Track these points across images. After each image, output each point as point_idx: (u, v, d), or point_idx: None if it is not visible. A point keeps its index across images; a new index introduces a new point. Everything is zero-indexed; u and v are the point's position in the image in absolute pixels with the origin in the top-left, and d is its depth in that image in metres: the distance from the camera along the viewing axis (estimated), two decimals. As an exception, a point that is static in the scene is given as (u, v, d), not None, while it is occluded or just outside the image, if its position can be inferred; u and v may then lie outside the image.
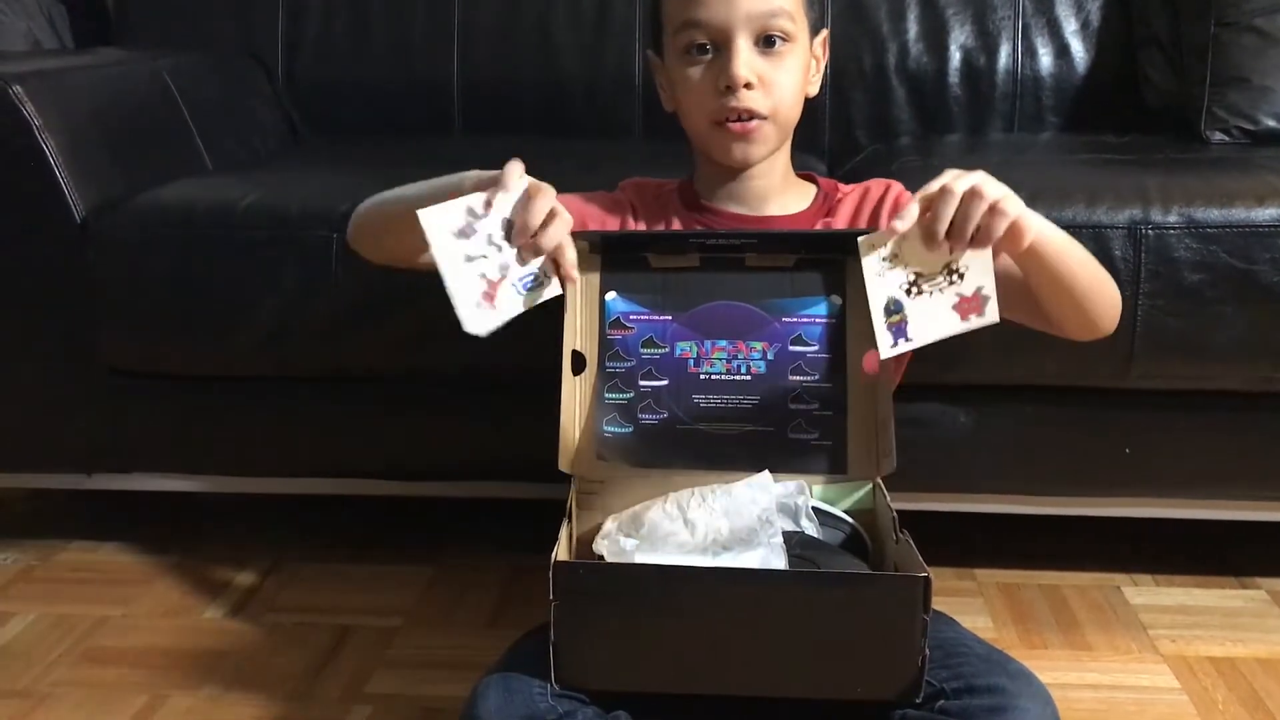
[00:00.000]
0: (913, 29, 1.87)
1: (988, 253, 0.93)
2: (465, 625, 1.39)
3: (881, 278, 0.93)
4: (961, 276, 0.93)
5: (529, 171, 0.97)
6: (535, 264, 0.95)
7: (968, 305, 0.94)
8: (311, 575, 1.52)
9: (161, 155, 1.58)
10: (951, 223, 0.90)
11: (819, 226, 1.12)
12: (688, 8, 1.04)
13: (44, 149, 1.37)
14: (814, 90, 1.12)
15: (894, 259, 0.93)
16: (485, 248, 0.93)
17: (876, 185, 1.16)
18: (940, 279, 0.93)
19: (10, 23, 1.93)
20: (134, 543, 1.60)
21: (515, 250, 0.94)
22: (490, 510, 1.61)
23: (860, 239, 0.93)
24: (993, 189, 0.91)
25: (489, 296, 0.93)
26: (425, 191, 1.03)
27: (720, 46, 1.04)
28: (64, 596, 1.46)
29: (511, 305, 0.94)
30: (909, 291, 0.94)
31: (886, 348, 0.94)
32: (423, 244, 0.91)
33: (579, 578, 0.89)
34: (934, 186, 0.92)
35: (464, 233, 0.92)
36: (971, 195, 0.90)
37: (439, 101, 1.96)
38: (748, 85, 1.03)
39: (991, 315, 0.94)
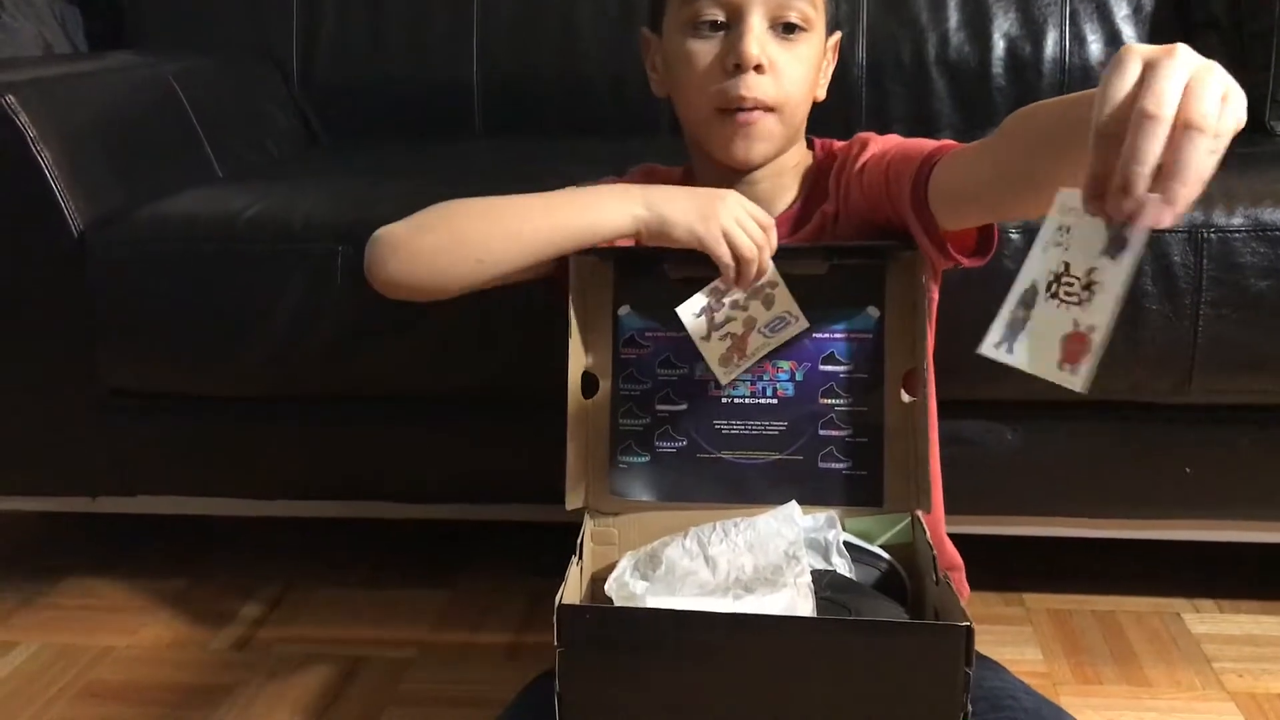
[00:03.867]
0: (953, 17, 1.78)
1: (1135, 256, 0.64)
2: (482, 657, 1.33)
3: (1045, 253, 0.69)
4: (1091, 294, 0.66)
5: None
6: (780, 308, 0.93)
7: (1072, 347, 0.68)
8: (323, 602, 1.46)
9: (167, 164, 1.53)
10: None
11: (816, 217, 1.02)
12: None
13: (39, 161, 1.32)
14: (821, 94, 1.02)
15: (1066, 233, 0.68)
16: (731, 311, 0.94)
17: (854, 143, 1.02)
18: (1077, 286, 0.67)
19: (20, 27, 1.88)
20: (140, 568, 1.55)
21: (758, 302, 0.93)
22: (510, 530, 1.55)
23: (1062, 190, 0.67)
24: (1210, 99, 0.58)
25: (739, 350, 0.94)
26: (542, 208, 0.95)
27: (732, 23, 0.95)
28: (67, 626, 1.42)
29: (760, 347, 0.94)
30: (1049, 287, 0.69)
31: (990, 345, 0.71)
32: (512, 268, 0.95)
33: (585, 623, 0.82)
34: (1114, 115, 0.60)
35: (711, 309, 0.94)
36: (1186, 128, 0.58)
37: (459, 101, 1.90)
38: (758, 68, 0.94)
39: (1081, 382, 0.67)
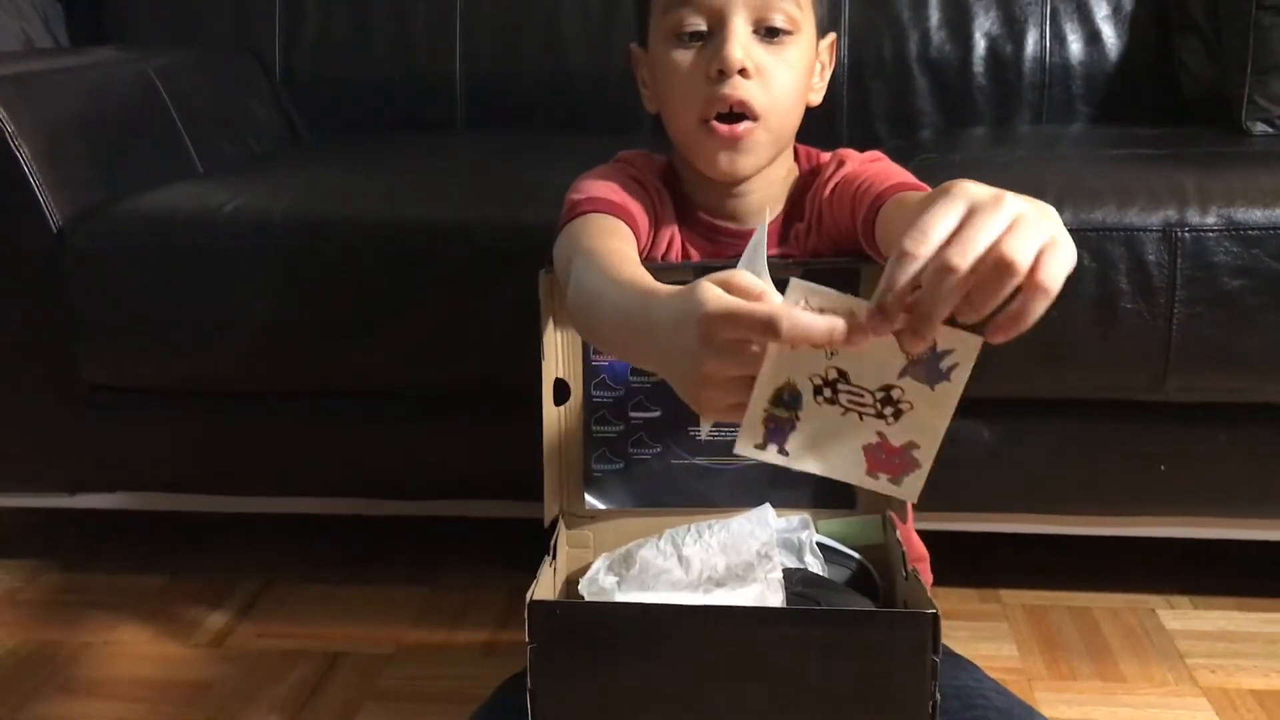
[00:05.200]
0: (935, 15, 1.78)
1: (956, 388, 0.63)
2: (460, 653, 1.33)
3: (796, 350, 0.62)
4: (898, 414, 0.63)
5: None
6: None
7: (883, 458, 0.65)
8: (303, 598, 1.46)
9: (147, 159, 1.52)
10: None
11: (791, 236, 1.00)
12: None
13: (17, 156, 1.32)
14: (816, 99, 1.00)
15: None
16: None
17: (831, 160, 1.00)
18: (869, 400, 0.63)
19: (2, 23, 1.87)
20: (119, 564, 1.55)
21: None
22: (490, 527, 1.55)
23: (794, 280, 0.61)
24: (1026, 243, 0.58)
25: None
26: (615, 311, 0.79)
27: (714, 29, 0.92)
28: (47, 621, 1.41)
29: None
30: (818, 391, 0.64)
31: (749, 445, 0.65)
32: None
33: (556, 618, 0.82)
34: (924, 244, 0.59)
35: None
36: (998, 264, 0.58)
37: (441, 96, 1.89)
38: (743, 72, 0.91)
39: (907, 493, 0.66)
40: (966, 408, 1.24)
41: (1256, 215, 1.16)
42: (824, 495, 0.96)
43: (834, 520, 0.96)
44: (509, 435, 1.31)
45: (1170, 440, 1.25)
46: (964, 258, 0.57)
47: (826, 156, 1.01)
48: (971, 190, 0.60)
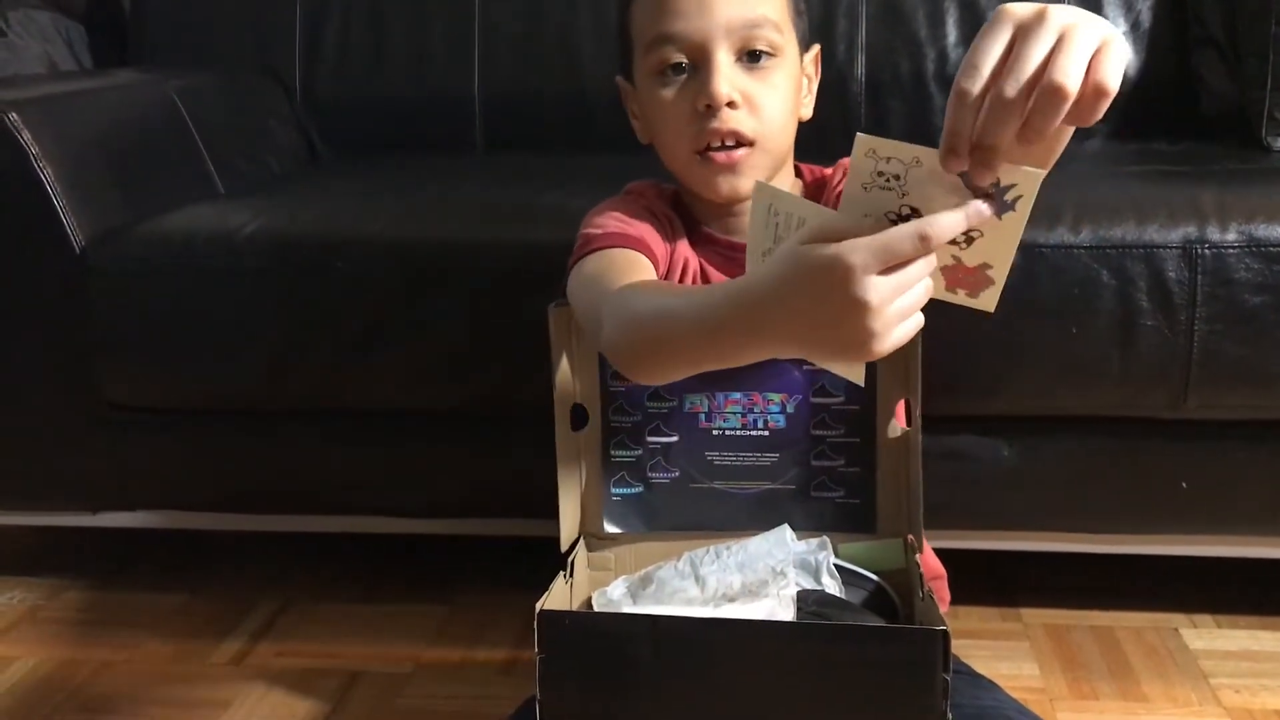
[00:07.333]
0: (952, 34, 1.78)
1: (1021, 217, 0.65)
2: (479, 671, 1.33)
3: (866, 192, 0.67)
4: (969, 240, 0.67)
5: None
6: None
7: (960, 277, 0.69)
8: (322, 616, 1.46)
9: (169, 180, 1.54)
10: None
11: None
12: (659, 20, 0.93)
13: (41, 177, 1.33)
14: (807, 113, 1.00)
15: (893, 180, 0.66)
16: None
17: (836, 171, 1.02)
18: None
19: (26, 46, 1.89)
20: (142, 580, 1.56)
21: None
22: (509, 545, 1.55)
23: (860, 135, 0.66)
24: (1074, 59, 0.59)
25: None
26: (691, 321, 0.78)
27: (698, 64, 0.93)
28: (68, 639, 1.42)
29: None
30: (894, 224, 0.66)
31: None
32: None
33: (564, 629, 0.82)
34: (977, 79, 0.60)
35: None
36: (1048, 90, 0.58)
37: (460, 117, 1.90)
38: (730, 104, 0.92)
39: (985, 304, 0.70)
40: (985, 425, 1.25)
41: (1278, 232, 1.15)
42: (843, 520, 0.95)
43: (854, 544, 0.95)
44: (527, 453, 1.31)
45: (1191, 458, 1.24)
46: (1015, 86, 0.59)
47: (829, 170, 1.02)
48: (1015, 12, 0.61)
